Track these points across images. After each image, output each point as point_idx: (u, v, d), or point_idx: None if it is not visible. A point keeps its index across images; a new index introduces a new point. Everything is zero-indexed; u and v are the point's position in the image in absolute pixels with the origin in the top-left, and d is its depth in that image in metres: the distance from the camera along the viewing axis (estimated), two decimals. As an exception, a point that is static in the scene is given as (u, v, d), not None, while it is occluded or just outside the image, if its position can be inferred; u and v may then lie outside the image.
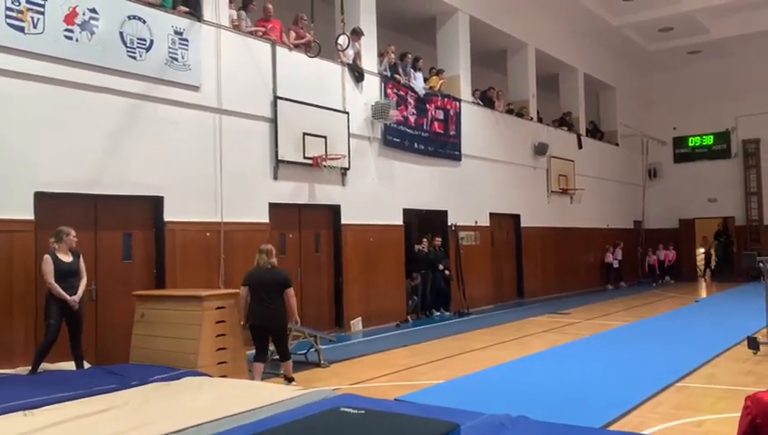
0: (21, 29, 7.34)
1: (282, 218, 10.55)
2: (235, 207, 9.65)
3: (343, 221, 11.59)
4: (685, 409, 5.95)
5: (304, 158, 10.62)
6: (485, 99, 16.22)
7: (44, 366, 7.10)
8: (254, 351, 7.32)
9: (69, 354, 7.21)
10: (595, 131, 22.11)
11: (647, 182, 24.01)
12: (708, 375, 7.39)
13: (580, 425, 5.18)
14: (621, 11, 19.22)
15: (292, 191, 10.66)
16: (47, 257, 6.90)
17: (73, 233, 7.11)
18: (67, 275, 6.98)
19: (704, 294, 18.80)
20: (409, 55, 13.75)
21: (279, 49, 10.55)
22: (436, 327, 12.20)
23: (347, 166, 11.42)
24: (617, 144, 22.82)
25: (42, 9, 7.52)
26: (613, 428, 5.35)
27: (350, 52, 11.80)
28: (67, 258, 7.04)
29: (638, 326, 11.69)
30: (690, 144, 24.07)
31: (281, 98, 10.40)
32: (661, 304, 15.44)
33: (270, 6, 10.85)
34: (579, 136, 20.07)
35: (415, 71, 13.81)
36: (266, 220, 10.17)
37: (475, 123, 15.27)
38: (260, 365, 7.22)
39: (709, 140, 23.72)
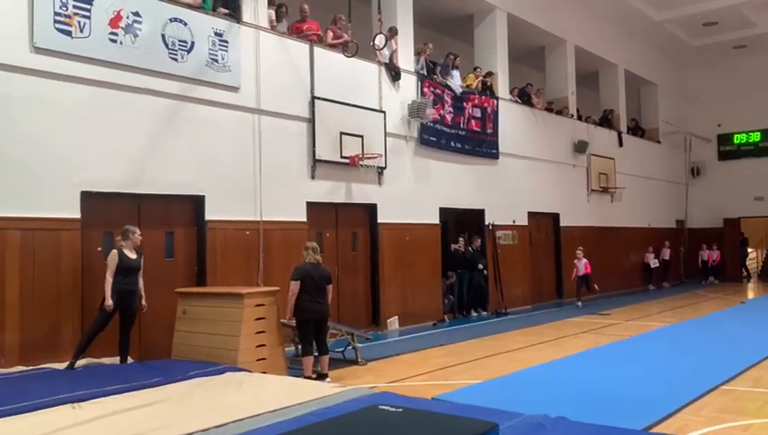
0: (68, 33, 7.57)
1: (319, 217, 10.63)
2: (274, 206, 9.77)
3: (380, 220, 11.63)
4: (730, 412, 5.79)
5: (341, 157, 10.69)
6: (524, 95, 16.06)
7: (89, 360, 7.31)
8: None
9: (112, 350, 7.42)
10: (636, 129, 21.68)
11: (689, 180, 23.46)
12: (755, 378, 7.18)
13: (621, 427, 5.09)
14: (663, 5, 18.78)
15: (330, 190, 10.74)
16: (114, 253, 7.22)
17: (138, 232, 7.46)
18: (130, 271, 7.30)
19: (750, 295, 18.27)
20: (451, 56, 13.74)
21: (316, 49, 10.64)
22: (473, 327, 12.14)
23: (383, 165, 11.45)
24: (659, 142, 22.32)
25: (88, 14, 7.74)
26: (655, 430, 5.24)
27: (387, 51, 11.82)
28: (132, 255, 7.35)
29: (681, 327, 11.43)
30: (735, 141, 23.45)
31: (318, 98, 10.48)
32: (705, 306, 15.07)
33: (306, 7, 10.95)
34: (619, 133, 19.72)
35: (452, 69, 13.77)
36: (304, 219, 10.27)
37: (512, 121, 15.14)
38: (310, 359, 7.31)
39: (756, 137, 23.06)
